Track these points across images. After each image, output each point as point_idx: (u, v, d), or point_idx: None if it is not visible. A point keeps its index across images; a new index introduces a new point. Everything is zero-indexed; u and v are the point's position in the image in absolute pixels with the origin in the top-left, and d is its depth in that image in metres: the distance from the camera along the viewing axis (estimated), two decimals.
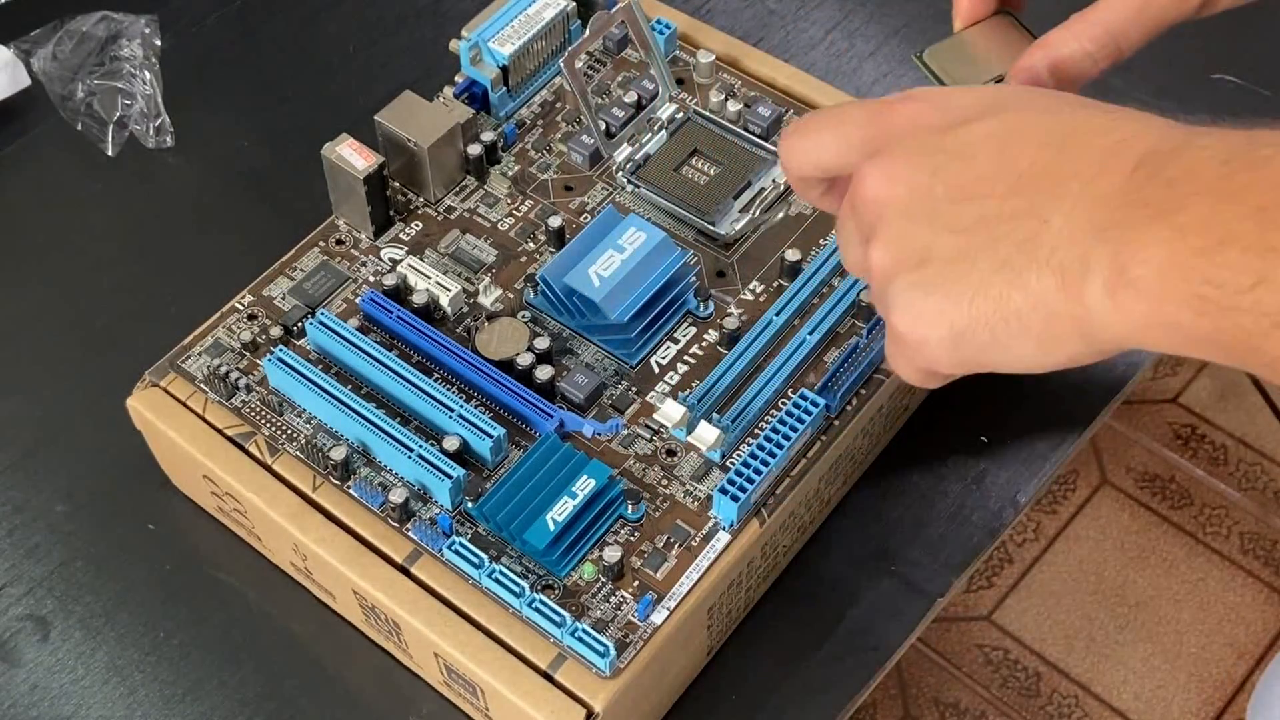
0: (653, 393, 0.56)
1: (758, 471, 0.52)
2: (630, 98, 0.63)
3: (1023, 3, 0.57)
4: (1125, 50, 0.50)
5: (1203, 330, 0.35)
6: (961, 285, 0.40)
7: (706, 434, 0.53)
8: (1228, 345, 0.35)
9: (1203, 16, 0.51)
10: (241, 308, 0.58)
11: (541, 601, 0.50)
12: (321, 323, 0.56)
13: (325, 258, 0.60)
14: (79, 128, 0.74)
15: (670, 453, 0.54)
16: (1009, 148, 0.40)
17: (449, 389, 0.55)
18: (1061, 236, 0.38)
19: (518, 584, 0.50)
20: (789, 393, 0.55)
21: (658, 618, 0.50)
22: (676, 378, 0.56)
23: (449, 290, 0.57)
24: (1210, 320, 0.35)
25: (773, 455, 0.52)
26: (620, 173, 0.61)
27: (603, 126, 0.62)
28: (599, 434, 0.55)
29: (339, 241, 0.60)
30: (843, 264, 0.51)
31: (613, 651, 0.48)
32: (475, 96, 0.63)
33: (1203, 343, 0.36)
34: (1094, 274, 0.37)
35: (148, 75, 0.74)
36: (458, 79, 0.64)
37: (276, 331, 0.57)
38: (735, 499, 0.51)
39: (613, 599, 0.51)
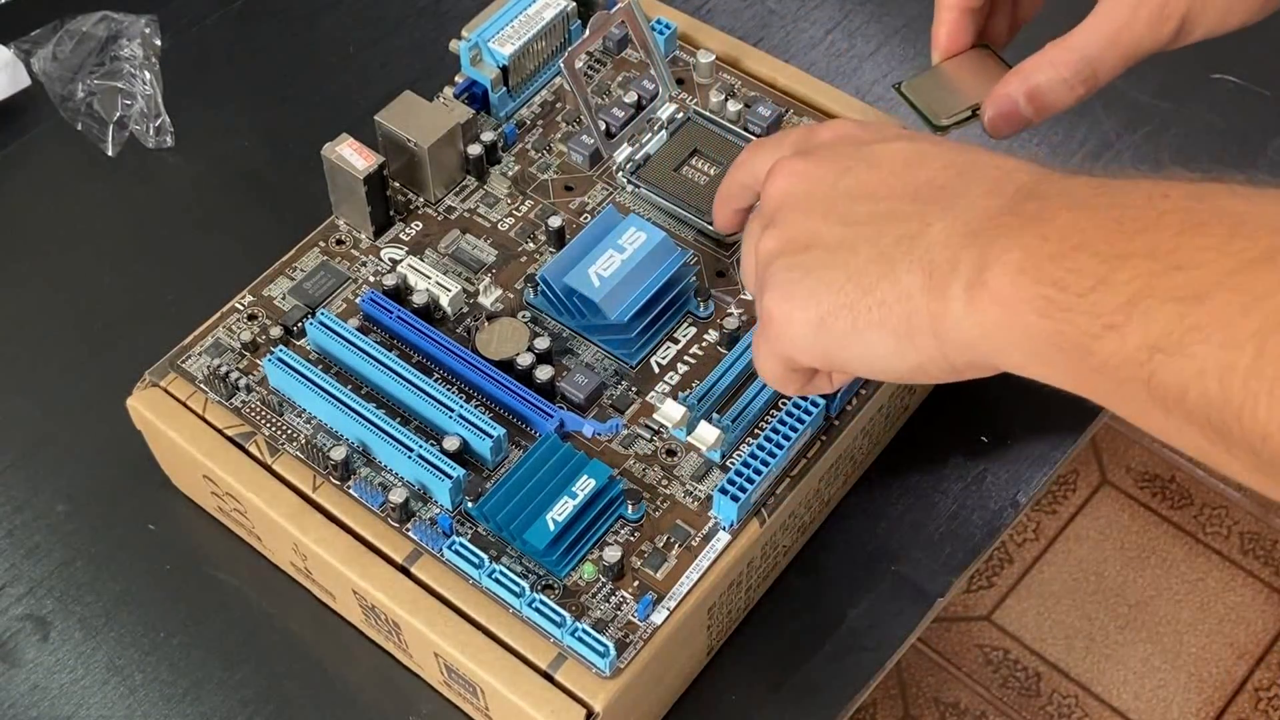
0: (653, 393, 0.56)
1: (758, 471, 0.52)
2: (630, 98, 0.63)
3: (1004, 37, 0.58)
4: (1101, 79, 0.51)
5: (1044, 332, 0.37)
6: (837, 270, 0.42)
7: (706, 434, 0.53)
8: (1065, 348, 0.37)
9: (1176, 47, 0.51)
10: (241, 308, 0.58)
11: (541, 601, 0.50)
12: (321, 323, 0.56)
13: (325, 258, 0.60)
14: (79, 128, 0.74)
15: (670, 453, 0.54)
16: (916, 164, 0.43)
17: (449, 389, 0.55)
18: (938, 238, 0.40)
19: (518, 584, 0.50)
20: None
21: (658, 618, 0.50)
22: (676, 378, 0.56)
23: (449, 290, 0.57)
24: (1051, 322, 0.37)
25: (773, 455, 0.52)
26: (620, 173, 0.61)
27: (603, 126, 0.62)
28: (599, 434, 0.55)
29: (339, 241, 0.60)
30: (740, 275, 0.54)
31: (613, 651, 0.48)
32: (475, 96, 0.63)
33: (1043, 348, 0.37)
34: (959, 274, 0.39)
35: (148, 75, 0.74)
36: (458, 79, 0.64)
37: (276, 331, 0.57)
38: (735, 499, 0.51)
39: (613, 599, 0.51)
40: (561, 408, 0.55)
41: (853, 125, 0.47)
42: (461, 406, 0.53)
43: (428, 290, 0.57)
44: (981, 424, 0.63)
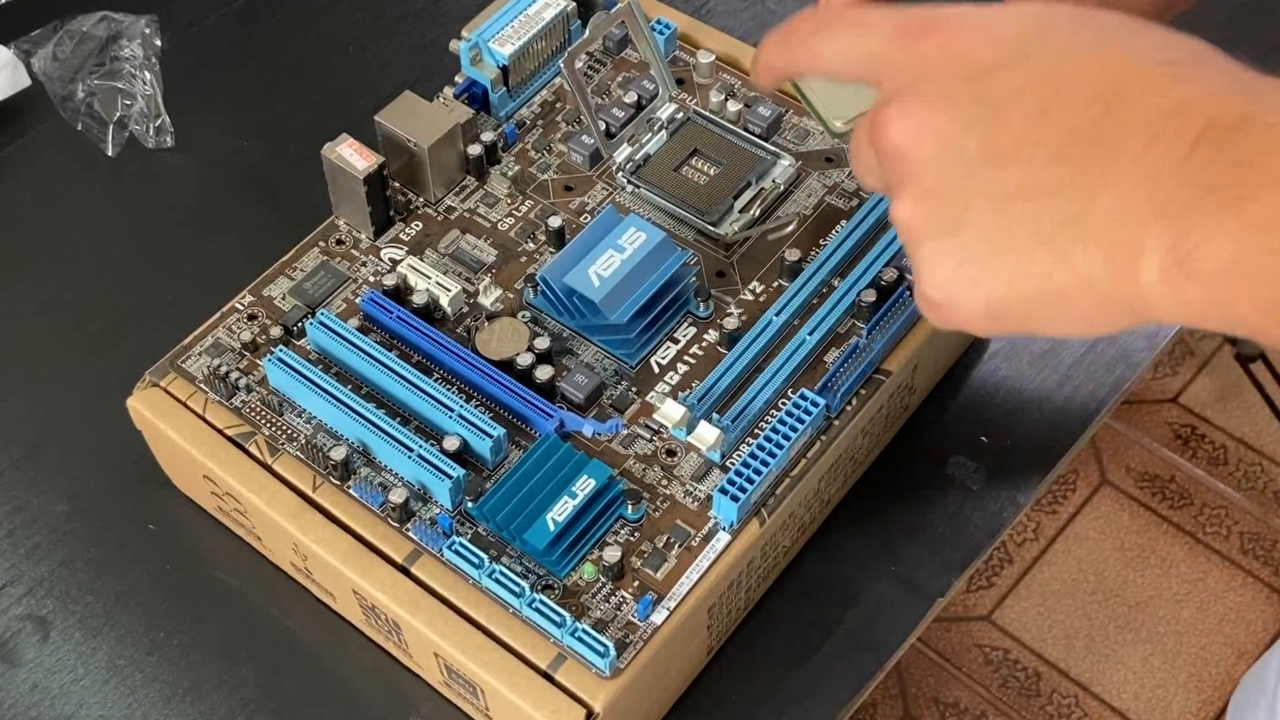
0: (653, 393, 0.56)
1: (758, 471, 0.52)
2: (630, 98, 0.63)
3: None
4: None
5: (1272, 330, 0.33)
6: (999, 260, 0.38)
7: (706, 434, 0.53)
8: None
9: None
10: (241, 308, 0.58)
11: (541, 601, 0.50)
12: (322, 323, 0.56)
13: (325, 258, 0.60)
14: (79, 128, 0.74)
15: (670, 453, 0.54)
16: (1052, 105, 0.37)
17: (449, 389, 0.55)
18: (1112, 214, 0.35)
19: (518, 584, 0.50)
20: (789, 393, 0.55)
21: (658, 618, 0.50)
22: (676, 378, 0.56)
23: (449, 290, 0.57)
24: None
25: (773, 455, 0.52)
26: (620, 173, 0.61)
27: (603, 126, 0.62)
28: (599, 434, 0.55)
29: (339, 241, 0.61)
30: (860, 182, 0.48)
31: (613, 651, 0.48)
32: (475, 96, 0.63)
33: (1268, 335, 0.34)
34: (1149, 258, 0.34)
35: (148, 75, 0.74)
36: (458, 79, 0.64)
37: (276, 331, 0.57)
38: (735, 499, 0.51)
39: (613, 599, 0.51)
40: (561, 408, 0.55)
41: (956, 37, 0.39)
42: (461, 406, 0.53)
43: (428, 290, 0.57)
44: (981, 424, 0.63)
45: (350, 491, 0.53)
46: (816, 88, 0.54)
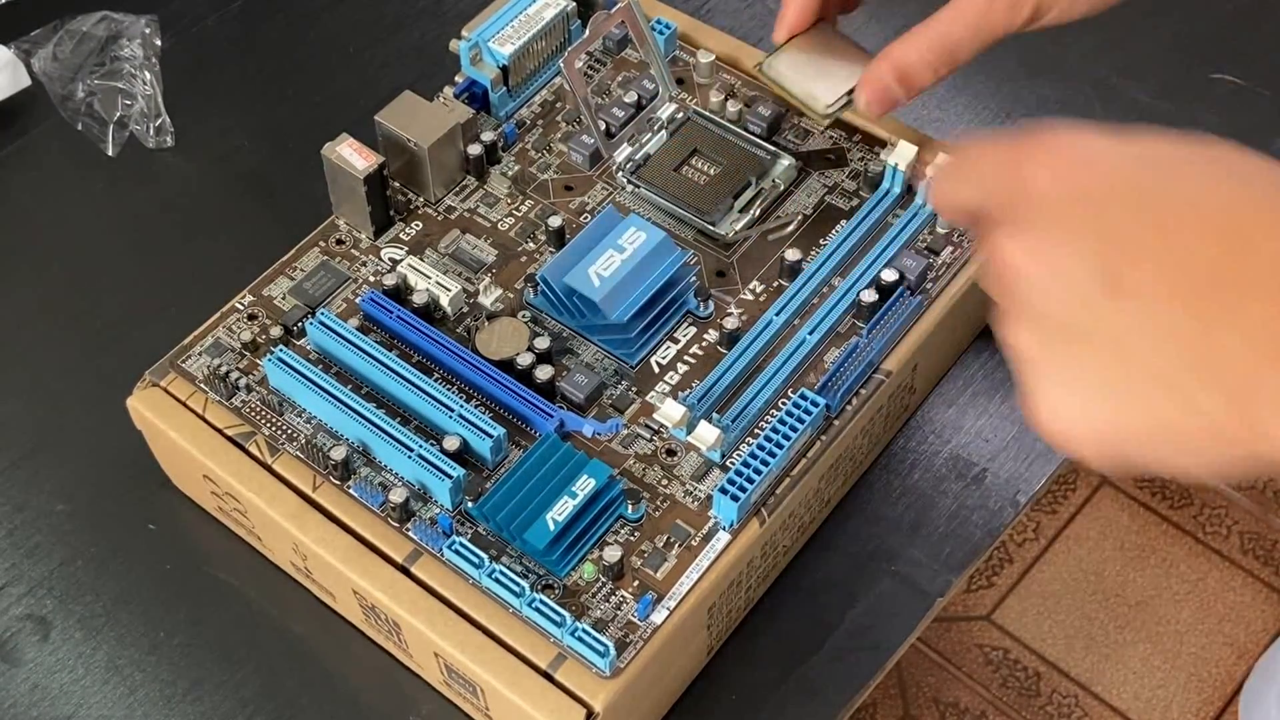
0: (653, 393, 0.56)
1: (758, 471, 0.52)
2: (630, 98, 0.63)
3: (833, 14, 0.60)
4: (960, 60, 0.53)
5: None
6: (1111, 393, 0.37)
7: (706, 434, 0.53)
8: None
9: (1030, 29, 0.53)
10: (241, 308, 0.58)
11: (541, 601, 0.50)
12: (322, 323, 0.56)
13: (325, 258, 0.60)
14: (79, 128, 0.74)
15: (670, 453, 0.54)
16: (1168, 239, 0.36)
17: (449, 389, 0.55)
18: (1237, 359, 0.35)
19: (518, 584, 0.50)
20: (789, 393, 0.55)
21: (658, 617, 0.50)
22: (676, 378, 0.56)
23: (449, 290, 0.57)
24: None
25: (773, 455, 0.52)
26: (620, 173, 0.61)
27: (603, 126, 0.62)
28: (599, 434, 0.55)
29: (339, 241, 0.60)
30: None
31: (613, 651, 0.48)
32: (475, 96, 0.63)
33: None
34: (1266, 400, 0.34)
35: (148, 75, 0.74)
36: (458, 79, 0.64)
37: (276, 331, 0.57)
38: (735, 499, 0.51)
39: (613, 599, 0.51)
40: (561, 407, 0.55)
41: (1062, 166, 0.38)
42: (461, 406, 0.53)
43: (428, 290, 0.57)
44: (982, 424, 0.63)
45: (350, 491, 0.53)
46: (788, 73, 0.56)
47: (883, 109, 0.56)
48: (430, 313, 0.58)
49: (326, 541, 0.53)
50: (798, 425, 0.53)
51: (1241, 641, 1.32)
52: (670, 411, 0.53)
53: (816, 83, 0.58)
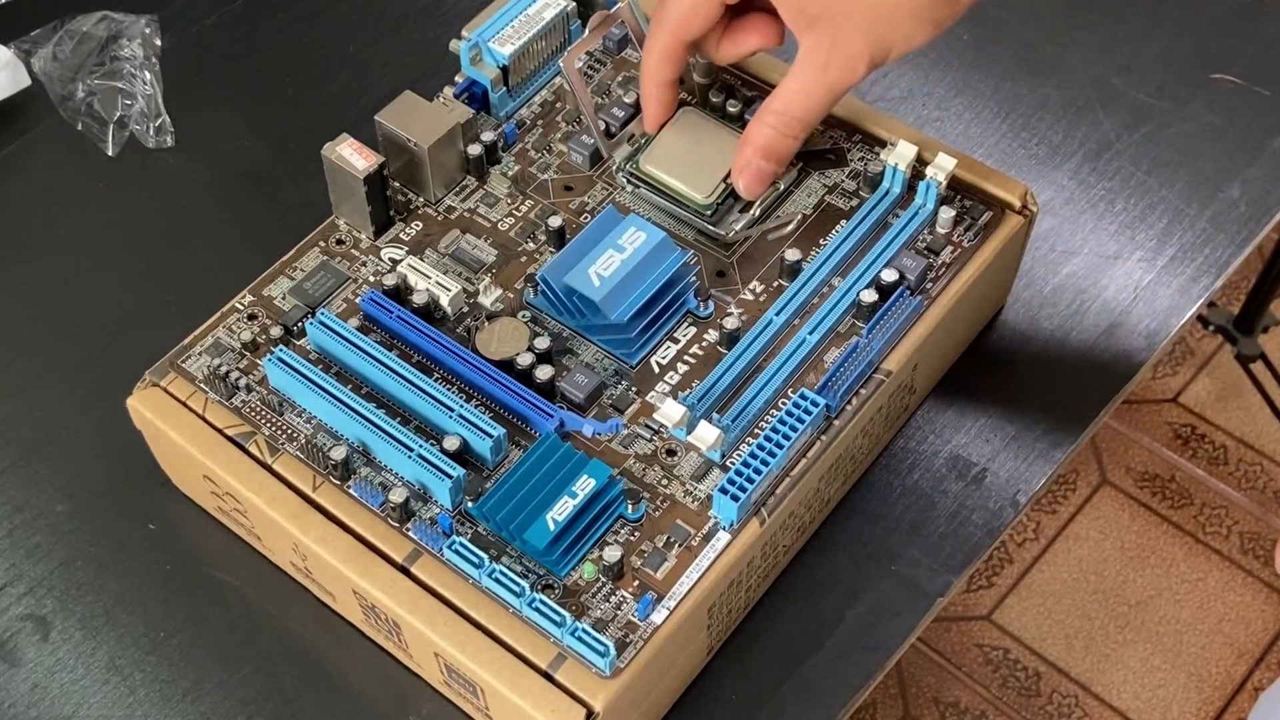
0: (653, 393, 0.56)
1: (758, 471, 0.52)
2: (630, 98, 0.63)
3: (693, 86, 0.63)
4: (815, 121, 0.57)
5: None
6: None
7: (706, 434, 0.53)
8: None
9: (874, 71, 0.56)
10: (241, 308, 0.58)
11: (541, 601, 0.50)
12: (322, 323, 0.56)
13: (325, 258, 0.60)
14: (79, 128, 0.74)
15: (670, 452, 0.54)
16: None
17: (449, 389, 0.55)
18: None
19: (518, 584, 0.50)
20: (789, 392, 0.55)
21: (658, 617, 0.50)
22: (676, 378, 0.56)
23: (449, 290, 0.57)
24: None
25: (773, 455, 0.52)
26: (620, 173, 0.61)
27: (603, 126, 0.62)
28: (599, 434, 0.55)
29: (339, 241, 0.61)
30: None
31: (613, 651, 0.48)
32: (475, 96, 0.63)
33: None
34: None
35: (148, 75, 0.74)
36: (458, 79, 0.64)
37: (276, 331, 0.57)
38: (735, 499, 0.51)
39: (613, 599, 0.51)
40: (561, 407, 0.55)
41: None
42: (461, 406, 0.53)
43: (428, 290, 0.57)
44: (981, 424, 0.63)
45: (350, 491, 0.53)
46: (667, 167, 0.60)
47: (763, 187, 0.59)
48: (430, 313, 0.58)
49: (326, 541, 0.53)
50: (798, 425, 0.53)
51: (1241, 641, 1.32)
52: (670, 411, 0.53)
53: (695, 175, 0.60)
